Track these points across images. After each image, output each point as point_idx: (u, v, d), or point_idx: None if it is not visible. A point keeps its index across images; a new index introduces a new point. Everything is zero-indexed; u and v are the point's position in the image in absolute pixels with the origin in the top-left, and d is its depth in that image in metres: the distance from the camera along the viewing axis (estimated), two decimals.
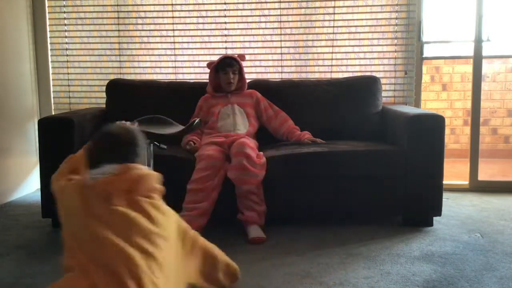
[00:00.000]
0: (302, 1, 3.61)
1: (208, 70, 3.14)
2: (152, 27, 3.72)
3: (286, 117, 3.10)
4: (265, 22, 3.66)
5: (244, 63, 3.10)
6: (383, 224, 2.81)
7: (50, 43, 3.78)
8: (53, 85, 3.81)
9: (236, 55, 3.08)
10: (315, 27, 3.64)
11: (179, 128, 2.47)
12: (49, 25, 3.76)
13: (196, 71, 3.72)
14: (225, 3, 3.67)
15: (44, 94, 3.80)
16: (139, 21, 3.72)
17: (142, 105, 3.20)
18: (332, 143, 2.92)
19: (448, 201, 3.30)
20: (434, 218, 2.79)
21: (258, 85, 3.30)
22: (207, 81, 3.17)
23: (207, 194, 2.53)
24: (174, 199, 2.56)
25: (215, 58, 3.42)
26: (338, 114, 3.25)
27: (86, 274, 1.45)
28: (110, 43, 3.75)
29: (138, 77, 3.72)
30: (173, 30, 3.71)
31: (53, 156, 2.33)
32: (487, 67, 5.16)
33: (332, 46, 3.63)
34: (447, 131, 3.90)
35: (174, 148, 2.84)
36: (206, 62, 3.22)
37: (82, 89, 3.79)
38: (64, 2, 3.75)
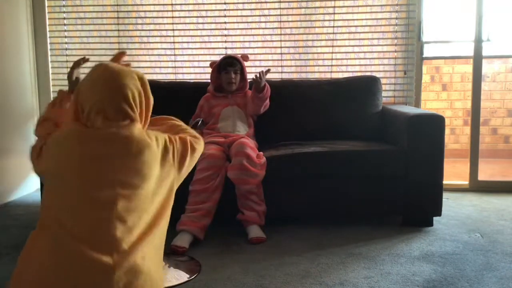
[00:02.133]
0: (302, 1, 3.61)
1: (209, 70, 3.13)
2: (152, 27, 3.72)
3: (266, 96, 2.98)
4: (265, 22, 3.66)
5: (244, 63, 3.09)
6: (383, 224, 2.80)
7: (50, 43, 3.78)
8: (53, 85, 3.81)
9: (240, 55, 3.08)
10: (315, 27, 3.64)
11: None
12: (49, 25, 3.76)
13: (196, 71, 3.72)
14: (225, 3, 3.67)
15: (44, 94, 3.80)
16: (139, 21, 3.72)
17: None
18: (332, 143, 2.92)
19: (448, 201, 3.30)
20: (434, 218, 2.79)
21: None
22: (207, 81, 3.16)
23: (209, 194, 2.53)
24: (175, 200, 2.57)
25: (215, 58, 3.43)
26: (338, 114, 3.25)
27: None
28: (110, 43, 3.75)
29: None
30: (173, 30, 3.71)
31: None
32: (487, 67, 5.16)
33: (332, 46, 3.63)
34: (447, 131, 3.90)
35: None
36: (206, 62, 3.22)
37: None
38: (64, 2, 3.75)
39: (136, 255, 1.49)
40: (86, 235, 1.46)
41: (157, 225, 1.60)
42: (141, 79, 1.64)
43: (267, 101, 3.00)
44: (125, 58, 1.82)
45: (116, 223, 1.49)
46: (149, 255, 1.54)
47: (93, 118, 1.55)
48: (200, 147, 1.86)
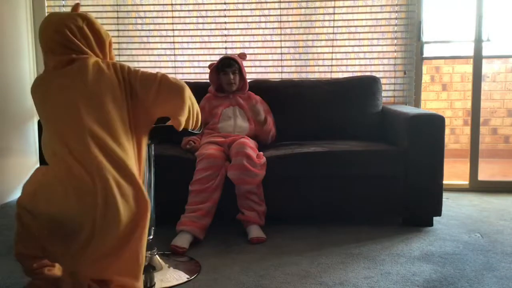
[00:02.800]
0: (302, 1, 3.61)
1: (208, 70, 3.13)
2: (152, 27, 3.72)
3: (268, 129, 2.99)
4: (265, 22, 3.66)
5: (244, 63, 3.09)
6: (383, 224, 2.80)
7: None
8: None
9: (237, 55, 3.08)
10: (315, 27, 3.64)
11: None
12: None
13: (196, 71, 3.72)
14: (225, 3, 3.67)
15: None
16: (139, 21, 3.72)
17: None
18: (332, 143, 2.92)
19: (448, 201, 3.30)
20: (434, 218, 2.79)
21: (258, 85, 3.30)
22: (207, 81, 3.16)
23: (209, 194, 2.53)
24: (175, 199, 2.58)
25: (215, 58, 3.43)
26: (338, 114, 3.25)
27: (61, 158, 1.68)
28: None
29: None
30: (173, 30, 3.71)
31: None
32: (487, 67, 5.16)
33: (332, 46, 3.63)
34: (447, 131, 3.90)
35: (174, 148, 2.85)
36: (206, 62, 3.21)
37: None
38: (64, 2, 3.75)
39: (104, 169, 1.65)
40: (72, 156, 1.67)
41: (122, 137, 1.75)
42: (85, 19, 1.90)
43: (273, 131, 3.04)
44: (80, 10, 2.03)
45: (91, 141, 1.68)
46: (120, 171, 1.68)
47: (49, 59, 1.82)
48: (180, 82, 1.95)
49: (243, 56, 3.09)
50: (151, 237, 2.14)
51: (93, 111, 1.72)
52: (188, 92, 1.95)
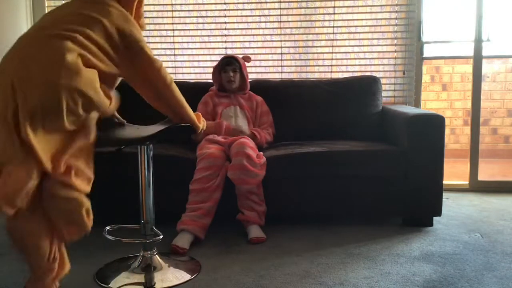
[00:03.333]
0: (302, 1, 3.62)
1: (209, 70, 3.14)
2: (152, 27, 3.72)
3: (260, 142, 2.97)
4: (265, 22, 3.66)
5: (245, 63, 3.09)
6: (383, 224, 2.81)
7: None
8: None
9: (241, 56, 3.08)
10: (315, 27, 3.64)
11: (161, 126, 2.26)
12: None
13: (196, 71, 3.72)
14: (225, 3, 3.67)
15: None
16: None
17: (142, 105, 3.19)
18: (332, 143, 2.92)
19: (448, 201, 3.30)
20: (434, 218, 2.79)
21: (258, 85, 3.30)
22: (207, 81, 3.17)
23: (209, 194, 2.53)
24: (175, 199, 2.58)
25: (215, 58, 3.44)
26: (338, 114, 3.25)
27: None
28: None
29: None
30: (173, 30, 3.71)
31: None
32: (487, 67, 5.16)
33: (332, 46, 3.63)
34: (447, 131, 3.90)
35: (174, 148, 2.85)
36: (206, 62, 3.21)
37: None
38: (64, 2, 3.74)
39: None
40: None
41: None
42: None
43: (269, 139, 3.03)
44: None
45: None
46: None
47: None
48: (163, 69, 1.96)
49: (247, 59, 3.10)
50: (161, 236, 2.15)
51: (61, 26, 1.72)
52: (169, 87, 2.00)
